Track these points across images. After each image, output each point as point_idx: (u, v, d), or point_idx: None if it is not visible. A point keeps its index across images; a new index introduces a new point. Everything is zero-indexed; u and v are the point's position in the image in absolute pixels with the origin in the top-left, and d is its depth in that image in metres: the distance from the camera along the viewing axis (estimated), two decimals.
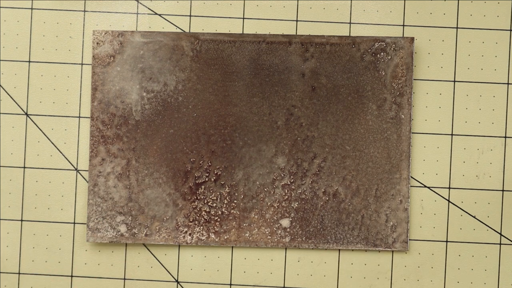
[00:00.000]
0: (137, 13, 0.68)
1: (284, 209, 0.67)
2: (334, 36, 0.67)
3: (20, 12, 0.69)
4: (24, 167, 0.69)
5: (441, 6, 0.68)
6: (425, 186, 0.68)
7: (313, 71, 0.67)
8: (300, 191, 0.67)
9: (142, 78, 0.67)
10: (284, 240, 0.67)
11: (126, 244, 0.68)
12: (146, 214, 0.67)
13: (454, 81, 0.68)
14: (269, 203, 0.67)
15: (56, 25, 0.69)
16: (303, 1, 0.68)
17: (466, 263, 0.67)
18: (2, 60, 0.69)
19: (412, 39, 0.66)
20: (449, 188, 0.68)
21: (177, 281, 0.68)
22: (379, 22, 0.68)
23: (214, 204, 0.67)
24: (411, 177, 0.67)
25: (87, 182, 0.68)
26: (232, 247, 0.68)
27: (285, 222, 0.67)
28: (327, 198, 0.67)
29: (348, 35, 0.68)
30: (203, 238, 0.67)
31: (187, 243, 0.67)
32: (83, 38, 0.69)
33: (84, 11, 0.69)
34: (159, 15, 0.68)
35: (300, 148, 0.67)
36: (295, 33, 0.68)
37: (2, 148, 0.69)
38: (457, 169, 0.68)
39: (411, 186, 0.68)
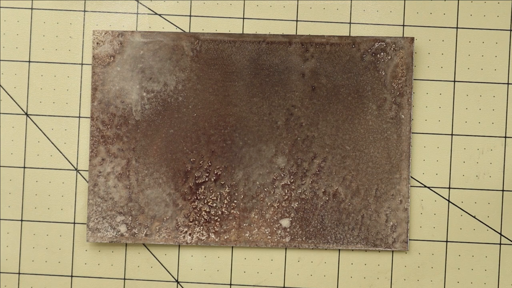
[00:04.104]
0: (137, 13, 0.68)
1: (284, 209, 0.67)
2: (334, 36, 0.67)
3: (20, 12, 0.69)
4: (24, 167, 0.69)
5: (441, 6, 0.68)
6: (425, 186, 0.68)
7: (313, 71, 0.67)
8: (300, 191, 0.67)
9: (142, 78, 0.67)
10: (284, 240, 0.67)
11: (126, 244, 0.68)
12: (146, 214, 0.67)
13: (454, 81, 0.68)
14: (269, 203, 0.67)
15: (56, 25, 0.69)
16: (303, 1, 0.68)
17: (466, 263, 0.67)
18: (2, 60, 0.69)
19: (412, 39, 0.66)
20: (449, 188, 0.68)
21: (177, 281, 0.68)
22: (379, 22, 0.68)
23: (214, 204, 0.67)
24: (411, 177, 0.67)
25: (87, 182, 0.68)
26: (232, 247, 0.68)
27: (285, 222, 0.67)
28: (327, 198, 0.67)
29: (348, 35, 0.68)
30: (203, 238, 0.67)
31: (187, 243, 0.67)
32: (83, 38, 0.69)
33: (84, 11, 0.69)
34: (159, 15, 0.68)
35: (300, 148, 0.67)
36: (295, 33, 0.68)
37: (2, 148, 0.69)
38: (457, 169, 0.68)
39: (411, 186, 0.68)
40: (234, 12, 0.68)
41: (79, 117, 0.68)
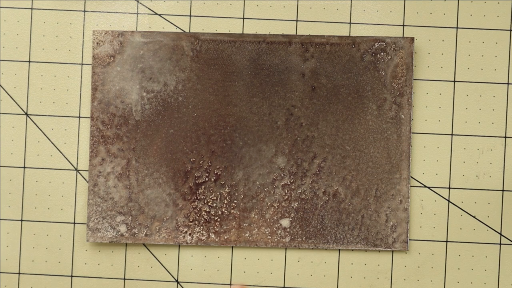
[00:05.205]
0: (137, 13, 0.68)
1: (284, 209, 0.67)
2: (334, 36, 0.67)
3: (20, 12, 0.69)
4: (24, 167, 0.69)
5: (441, 6, 0.68)
6: (425, 186, 0.68)
7: (313, 71, 0.67)
8: (300, 191, 0.67)
9: (142, 78, 0.67)
10: (284, 240, 0.67)
11: (126, 244, 0.68)
12: (146, 214, 0.67)
13: (454, 81, 0.68)
14: (269, 203, 0.67)
15: (56, 25, 0.69)
16: (303, 1, 0.68)
17: (466, 263, 0.67)
18: (2, 60, 0.69)
19: (412, 39, 0.66)
20: (449, 188, 0.68)
21: (177, 281, 0.68)
22: (379, 22, 0.68)
23: (214, 204, 0.67)
24: (411, 177, 0.67)
25: (87, 182, 0.68)
26: (232, 247, 0.68)
27: (285, 222, 0.67)
28: (327, 198, 0.67)
29: (348, 35, 0.68)
30: (203, 238, 0.67)
31: (187, 243, 0.67)
32: (83, 38, 0.69)
33: (84, 11, 0.69)
34: (159, 15, 0.68)
35: (300, 148, 0.67)
36: (295, 33, 0.68)
37: (2, 148, 0.69)
38: (457, 169, 0.68)
39: (411, 186, 0.68)
40: (234, 12, 0.68)
41: (79, 117, 0.68)
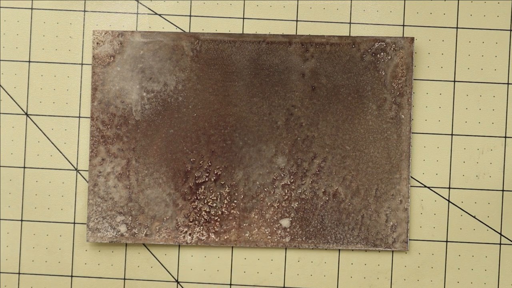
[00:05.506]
0: (137, 13, 0.68)
1: (284, 209, 0.67)
2: (334, 36, 0.67)
3: (20, 12, 0.69)
4: (24, 167, 0.69)
5: (441, 6, 0.68)
6: (425, 186, 0.68)
7: (313, 71, 0.67)
8: (300, 191, 0.67)
9: (142, 78, 0.67)
10: (284, 240, 0.67)
11: (126, 244, 0.68)
12: (146, 214, 0.67)
13: (454, 81, 0.68)
14: (269, 203, 0.67)
15: (56, 25, 0.69)
16: (303, 1, 0.68)
17: (466, 263, 0.67)
18: (2, 60, 0.69)
19: (412, 39, 0.66)
20: (449, 188, 0.68)
21: (177, 281, 0.68)
22: (379, 22, 0.68)
23: (214, 204, 0.67)
24: (411, 177, 0.67)
25: (87, 182, 0.68)
26: (232, 247, 0.68)
27: (285, 222, 0.67)
28: (327, 198, 0.67)
29: (348, 35, 0.68)
30: (203, 238, 0.67)
31: (187, 243, 0.67)
32: (83, 38, 0.69)
33: (84, 11, 0.69)
34: (159, 15, 0.68)
35: (300, 148, 0.67)
36: (295, 33, 0.68)
37: (2, 148, 0.69)
38: (457, 169, 0.68)
39: (411, 186, 0.68)
40: (234, 12, 0.68)
41: (79, 117, 0.68)
